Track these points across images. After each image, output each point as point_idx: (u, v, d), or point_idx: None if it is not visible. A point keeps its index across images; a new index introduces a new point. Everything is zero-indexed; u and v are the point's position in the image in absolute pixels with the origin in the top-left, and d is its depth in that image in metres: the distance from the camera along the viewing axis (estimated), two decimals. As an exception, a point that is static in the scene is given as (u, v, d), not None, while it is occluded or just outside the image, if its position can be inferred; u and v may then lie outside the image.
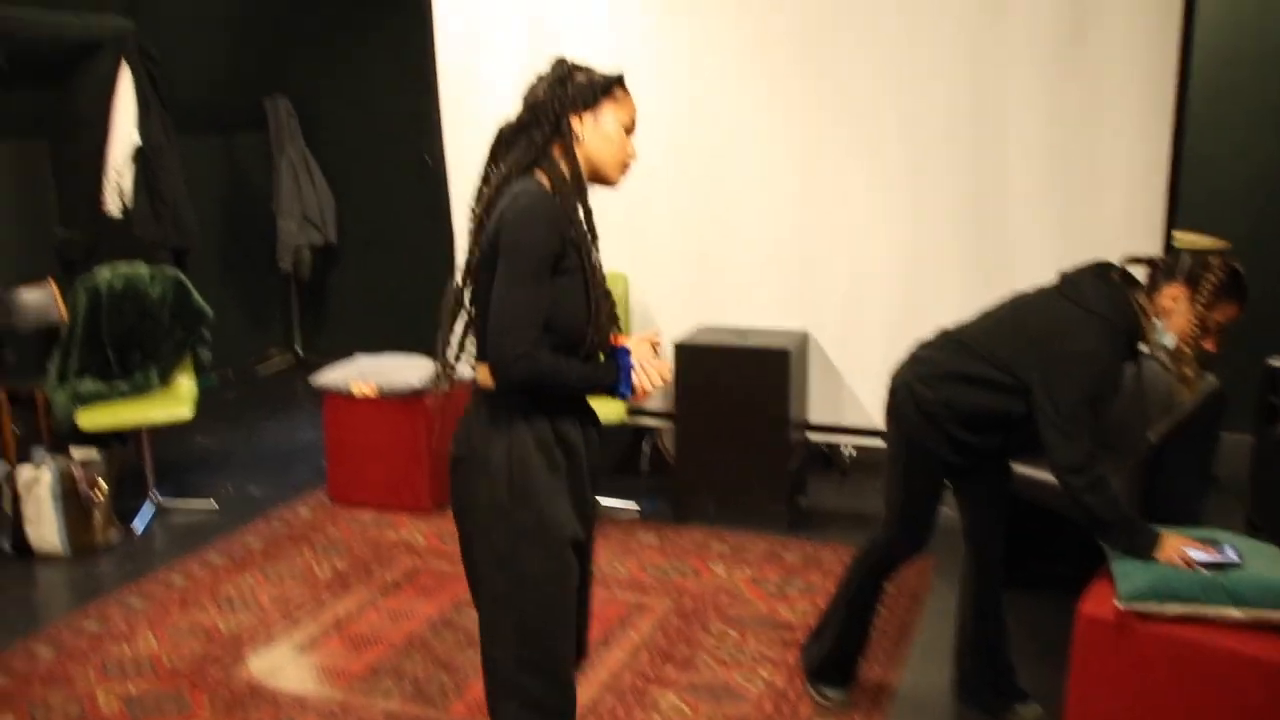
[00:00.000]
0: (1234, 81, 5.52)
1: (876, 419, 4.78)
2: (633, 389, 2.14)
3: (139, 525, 4.76)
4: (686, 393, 4.65)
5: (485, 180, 2.22)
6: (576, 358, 2.13)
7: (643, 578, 4.16)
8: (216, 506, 4.99)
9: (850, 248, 4.67)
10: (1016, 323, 2.94)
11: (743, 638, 3.68)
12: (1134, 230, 4.22)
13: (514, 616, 2.15)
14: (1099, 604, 2.81)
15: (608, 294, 2.22)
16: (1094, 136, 4.25)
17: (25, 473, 4.44)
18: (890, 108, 4.50)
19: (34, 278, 5.61)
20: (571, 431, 2.19)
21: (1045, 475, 3.69)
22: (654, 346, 2.23)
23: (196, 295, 5.04)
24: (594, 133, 2.20)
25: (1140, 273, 2.89)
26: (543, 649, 2.16)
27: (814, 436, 4.94)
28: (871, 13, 4.47)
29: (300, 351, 7.81)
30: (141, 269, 5.01)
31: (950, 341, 3.03)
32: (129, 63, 5.92)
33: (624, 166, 2.27)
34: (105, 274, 4.92)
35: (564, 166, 2.19)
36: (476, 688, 3.08)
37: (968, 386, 2.92)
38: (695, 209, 4.85)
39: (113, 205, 6.03)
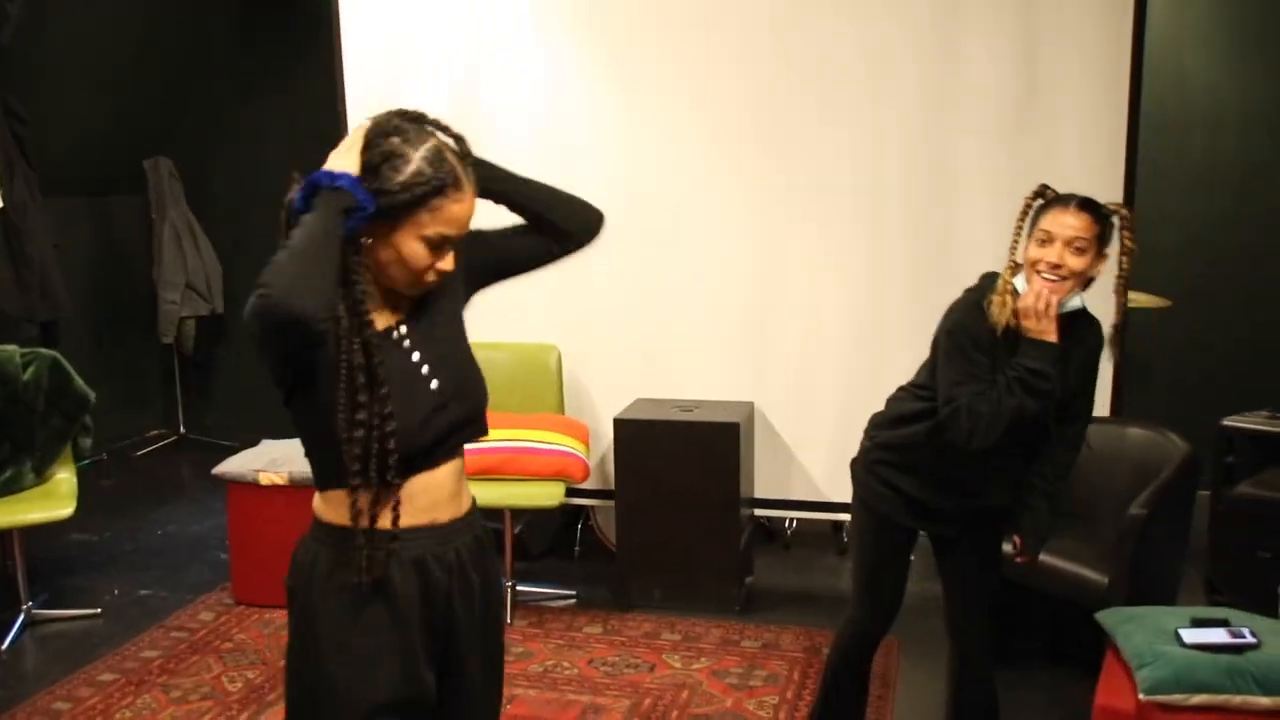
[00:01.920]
0: (1181, 143, 5.62)
1: (825, 491, 4.65)
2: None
3: (7, 642, 4.30)
4: (627, 470, 4.44)
5: None
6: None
7: (593, 675, 3.90)
8: (100, 613, 4.56)
9: (801, 316, 4.56)
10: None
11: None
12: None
13: None
14: (1115, 695, 2.68)
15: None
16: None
17: (-124, 586, 3.99)
18: (843, 174, 4.45)
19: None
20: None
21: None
22: None
23: (77, 378, 4.64)
24: (388, 252, 1.80)
25: None
26: None
27: (760, 512, 4.77)
28: (826, 81, 4.40)
29: (184, 430, 7.37)
30: (10, 350, 4.59)
31: (897, 391, 2.98)
32: (-9, 121, 5.54)
33: (421, 282, 1.85)
34: (-31, 356, 4.50)
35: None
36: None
37: (904, 424, 2.84)
38: (636, 275, 4.67)
39: (-28, 276, 5.59)
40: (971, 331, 2.64)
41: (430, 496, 1.88)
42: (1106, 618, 2.96)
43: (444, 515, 1.91)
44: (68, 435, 4.64)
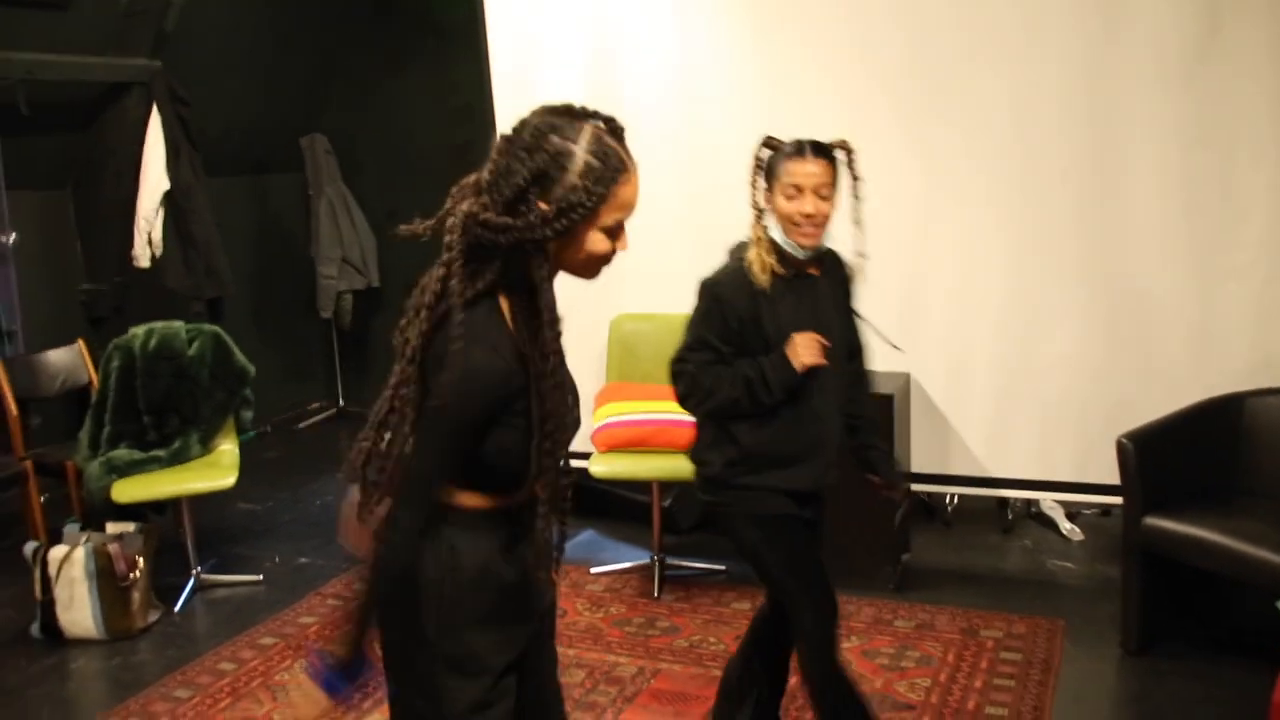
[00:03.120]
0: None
1: (986, 465, 4.55)
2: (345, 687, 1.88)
3: (179, 604, 4.59)
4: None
5: (424, 294, 1.82)
6: (513, 495, 1.90)
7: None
8: (262, 579, 4.81)
9: (956, 282, 4.45)
10: None
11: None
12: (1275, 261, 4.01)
13: None
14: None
15: (564, 420, 1.88)
16: (1225, 160, 4.04)
17: (57, 552, 4.28)
18: (1004, 124, 4.30)
19: (61, 338, 5.52)
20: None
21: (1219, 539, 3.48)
22: None
23: (238, 352, 4.89)
24: (573, 252, 1.82)
25: None
26: None
27: (917, 487, 4.70)
28: (980, 27, 4.26)
29: (343, 403, 7.68)
30: (177, 326, 4.87)
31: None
32: (158, 105, 5.84)
33: (600, 271, 1.88)
34: (139, 333, 4.78)
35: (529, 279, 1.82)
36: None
37: (731, 438, 2.85)
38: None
39: (141, 255, 5.92)
40: (727, 298, 2.76)
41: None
42: (1289, 604, 2.82)
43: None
44: (230, 408, 4.90)
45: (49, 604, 4.28)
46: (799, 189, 2.70)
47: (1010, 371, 4.43)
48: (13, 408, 5.09)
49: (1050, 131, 4.24)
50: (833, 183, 2.74)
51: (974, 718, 3.43)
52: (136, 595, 4.34)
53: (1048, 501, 5.01)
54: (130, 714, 3.70)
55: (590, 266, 1.85)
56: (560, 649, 2.23)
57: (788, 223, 2.74)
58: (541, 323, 1.81)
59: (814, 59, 4.50)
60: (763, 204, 2.78)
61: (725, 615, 4.23)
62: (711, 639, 4.04)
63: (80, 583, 4.24)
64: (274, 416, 7.24)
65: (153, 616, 4.43)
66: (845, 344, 2.91)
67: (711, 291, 2.80)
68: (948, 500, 5.18)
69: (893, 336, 4.53)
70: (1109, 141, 4.17)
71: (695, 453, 2.95)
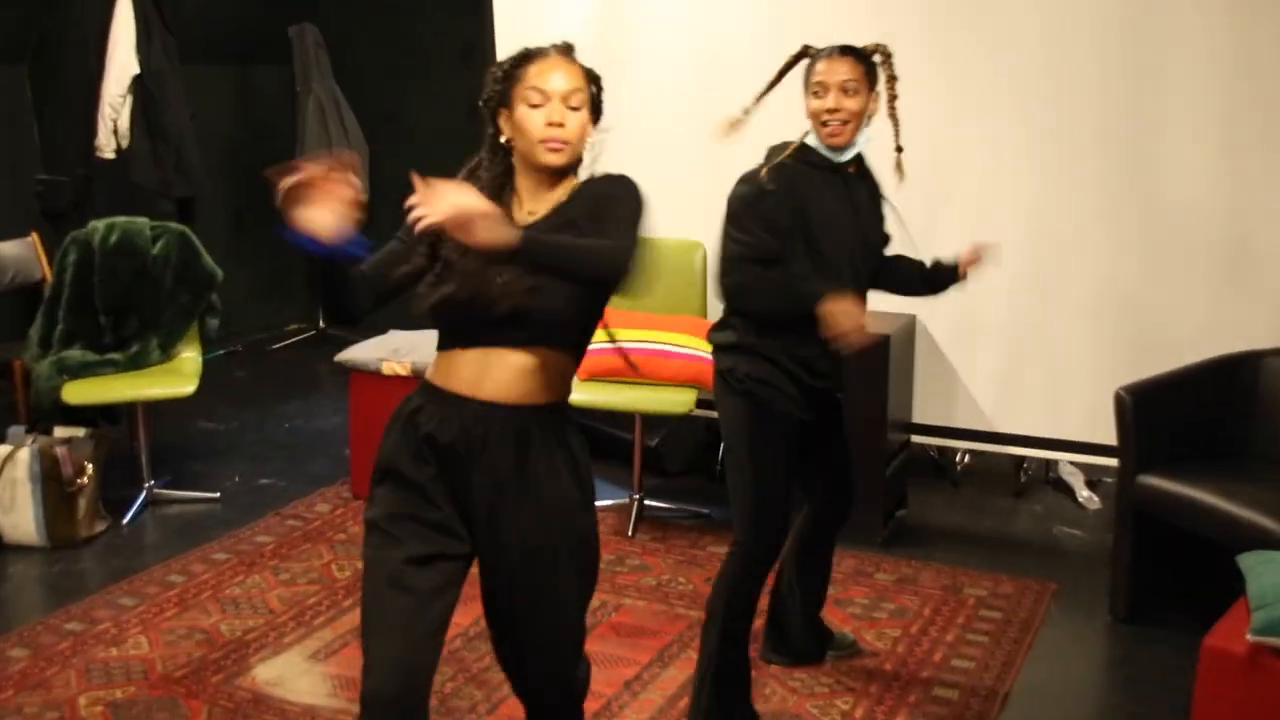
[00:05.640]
0: None
1: (995, 421, 4.92)
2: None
3: (129, 517, 5.08)
4: (767, 381, 4.82)
5: None
6: None
7: (708, 592, 4.32)
8: (219, 498, 5.30)
9: (969, 220, 4.77)
10: None
11: (819, 664, 3.87)
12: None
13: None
14: (1227, 637, 2.95)
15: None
16: (1270, 93, 4.36)
17: None
18: (1033, 49, 4.65)
19: (13, 231, 5.90)
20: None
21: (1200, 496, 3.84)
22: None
23: (205, 254, 5.33)
24: (514, 133, 2.46)
25: None
26: None
27: (918, 439, 5.10)
28: None
29: (323, 324, 8.08)
30: (141, 223, 5.31)
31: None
32: (130, -22, 6.23)
33: (549, 151, 2.43)
34: (99, 227, 5.23)
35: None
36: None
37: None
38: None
39: (106, 145, 6.35)
40: (754, 204, 3.25)
41: (473, 370, 2.46)
42: (1247, 559, 3.21)
43: (483, 394, 2.45)
44: (194, 313, 5.35)
45: (-11, 507, 4.76)
46: (824, 86, 3.23)
47: (1025, 320, 4.80)
48: (-42, 301, 5.56)
49: (1082, 64, 4.58)
50: (862, 80, 3.25)
51: (938, 669, 3.86)
52: (83, 502, 4.83)
53: (1067, 466, 5.40)
54: (71, 618, 4.19)
55: (533, 146, 2.42)
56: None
57: (816, 122, 3.27)
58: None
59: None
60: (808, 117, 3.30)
61: (699, 558, 4.67)
62: (681, 579, 4.49)
63: (23, 484, 4.72)
64: (246, 337, 7.70)
65: (99, 527, 4.91)
66: (882, 240, 3.55)
67: (755, 184, 3.29)
68: (957, 459, 5.58)
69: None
70: (1144, 74, 4.51)
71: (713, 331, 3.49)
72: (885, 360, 4.61)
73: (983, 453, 5.38)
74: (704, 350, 4.83)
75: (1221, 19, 4.38)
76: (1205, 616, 3.23)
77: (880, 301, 4.92)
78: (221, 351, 7.25)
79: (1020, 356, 4.85)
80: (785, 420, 3.33)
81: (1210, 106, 4.45)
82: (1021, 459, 5.35)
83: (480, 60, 5.63)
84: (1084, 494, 5.31)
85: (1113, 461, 4.67)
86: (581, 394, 4.87)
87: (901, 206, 4.71)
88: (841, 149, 3.29)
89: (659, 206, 4.94)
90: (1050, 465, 5.49)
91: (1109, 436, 4.42)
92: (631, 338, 4.90)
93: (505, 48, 5.49)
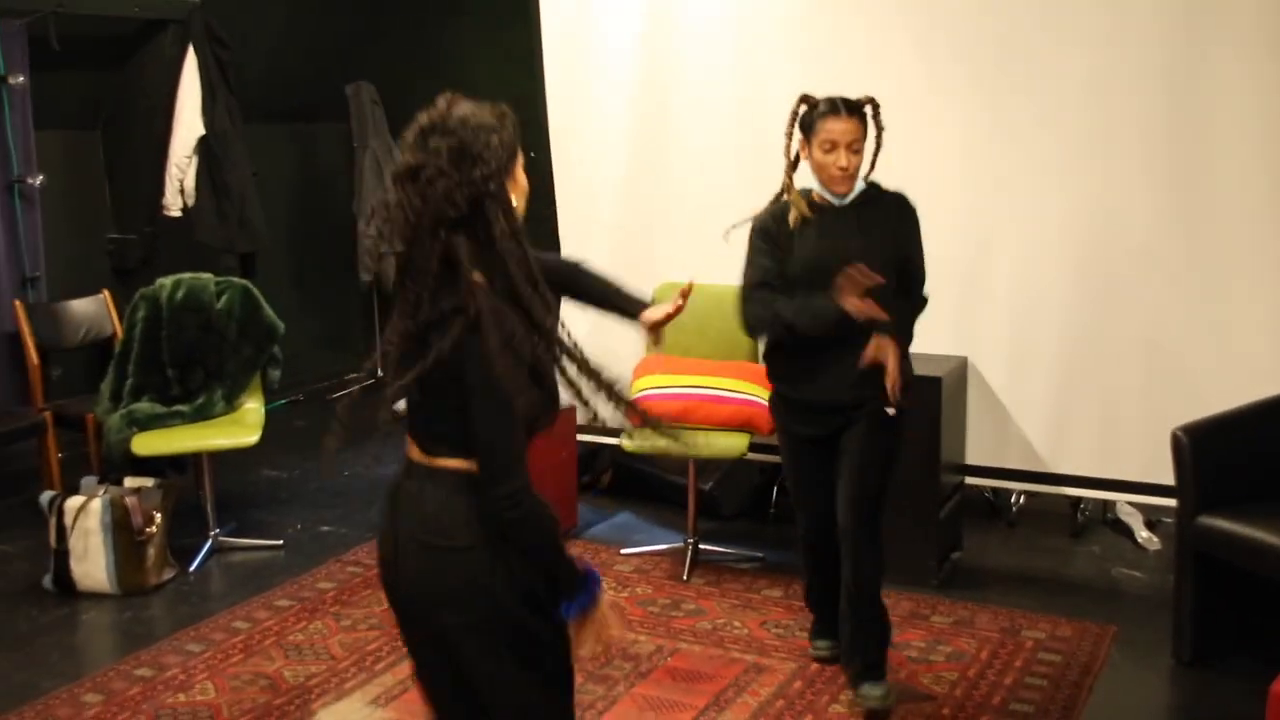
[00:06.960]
0: None
1: (1048, 461, 4.90)
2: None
3: (195, 564, 5.15)
4: (820, 425, 4.83)
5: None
6: None
7: (763, 636, 4.35)
8: (282, 545, 5.36)
9: (1018, 259, 4.81)
10: None
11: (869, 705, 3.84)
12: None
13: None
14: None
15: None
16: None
17: (73, 502, 4.84)
18: (1078, 93, 4.66)
19: (85, 288, 6.09)
20: None
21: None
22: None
23: (267, 308, 5.44)
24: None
25: None
26: None
27: (972, 480, 5.07)
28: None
29: (382, 374, 8.14)
30: (206, 278, 5.43)
31: None
32: (194, 45, 6.40)
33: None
34: (166, 284, 5.35)
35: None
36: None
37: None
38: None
39: (173, 204, 6.51)
40: (771, 233, 3.68)
41: None
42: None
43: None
44: (257, 365, 5.45)
45: (63, 554, 4.85)
46: (834, 144, 3.54)
47: (1078, 359, 4.78)
48: (33, 356, 5.72)
49: (1129, 107, 4.59)
50: (863, 137, 3.59)
51: (997, 713, 3.82)
52: (152, 551, 4.91)
53: (1125, 506, 5.34)
54: (141, 664, 4.25)
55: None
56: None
57: (824, 174, 3.60)
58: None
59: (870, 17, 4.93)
60: (802, 155, 3.65)
61: (754, 601, 4.66)
62: (736, 623, 4.47)
63: (95, 534, 4.81)
64: (306, 385, 7.79)
65: (167, 574, 4.99)
66: (901, 273, 3.70)
67: (758, 229, 3.72)
68: (1013, 500, 5.54)
69: (951, 320, 4.94)
70: (1191, 118, 4.51)
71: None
72: (938, 402, 4.61)
73: (1038, 493, 5.34)
74: (757, 394, 4.87)
75: (1267, 67, 4.37)
76: (1271, 659, 3.17)
77: (931, 343, 4.97)
78: (283, 401, 7.34)
79: (1074, 395, 4.82)
80: (793, 437, 3.86)
81: (1257, 149, 4.44)
82: (1079, 499, 5.30)
83: (530, 113, 5.70)
84: (1143, 534, 5.25)
85: (1171, 501, 4.60)
86: (637, 440, 4.90)
87: (953, 249, 4.80)
88: (845, 195, 3.64)
89: (708, 253, 5.02)
90: (1108, 505, 5.43)
91: (1166, 476, 4.34)
92: (685, 384, 4.93)
93: (555, 100, 5.57)
